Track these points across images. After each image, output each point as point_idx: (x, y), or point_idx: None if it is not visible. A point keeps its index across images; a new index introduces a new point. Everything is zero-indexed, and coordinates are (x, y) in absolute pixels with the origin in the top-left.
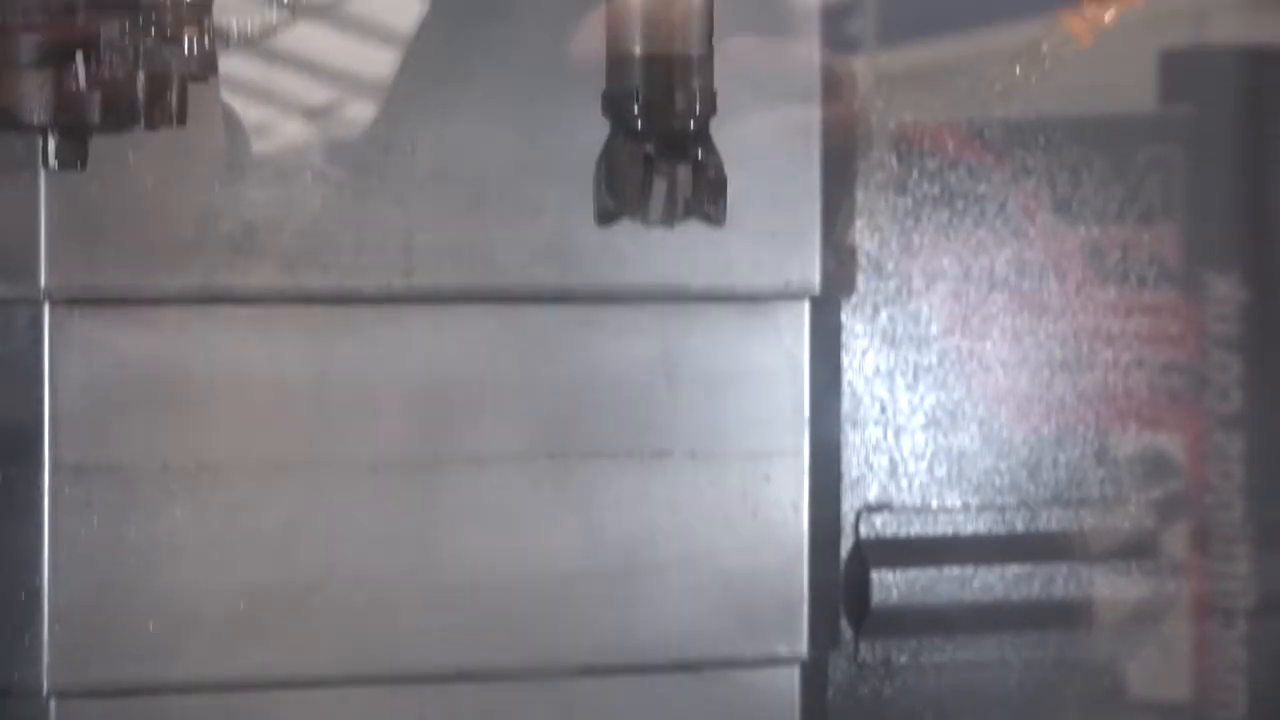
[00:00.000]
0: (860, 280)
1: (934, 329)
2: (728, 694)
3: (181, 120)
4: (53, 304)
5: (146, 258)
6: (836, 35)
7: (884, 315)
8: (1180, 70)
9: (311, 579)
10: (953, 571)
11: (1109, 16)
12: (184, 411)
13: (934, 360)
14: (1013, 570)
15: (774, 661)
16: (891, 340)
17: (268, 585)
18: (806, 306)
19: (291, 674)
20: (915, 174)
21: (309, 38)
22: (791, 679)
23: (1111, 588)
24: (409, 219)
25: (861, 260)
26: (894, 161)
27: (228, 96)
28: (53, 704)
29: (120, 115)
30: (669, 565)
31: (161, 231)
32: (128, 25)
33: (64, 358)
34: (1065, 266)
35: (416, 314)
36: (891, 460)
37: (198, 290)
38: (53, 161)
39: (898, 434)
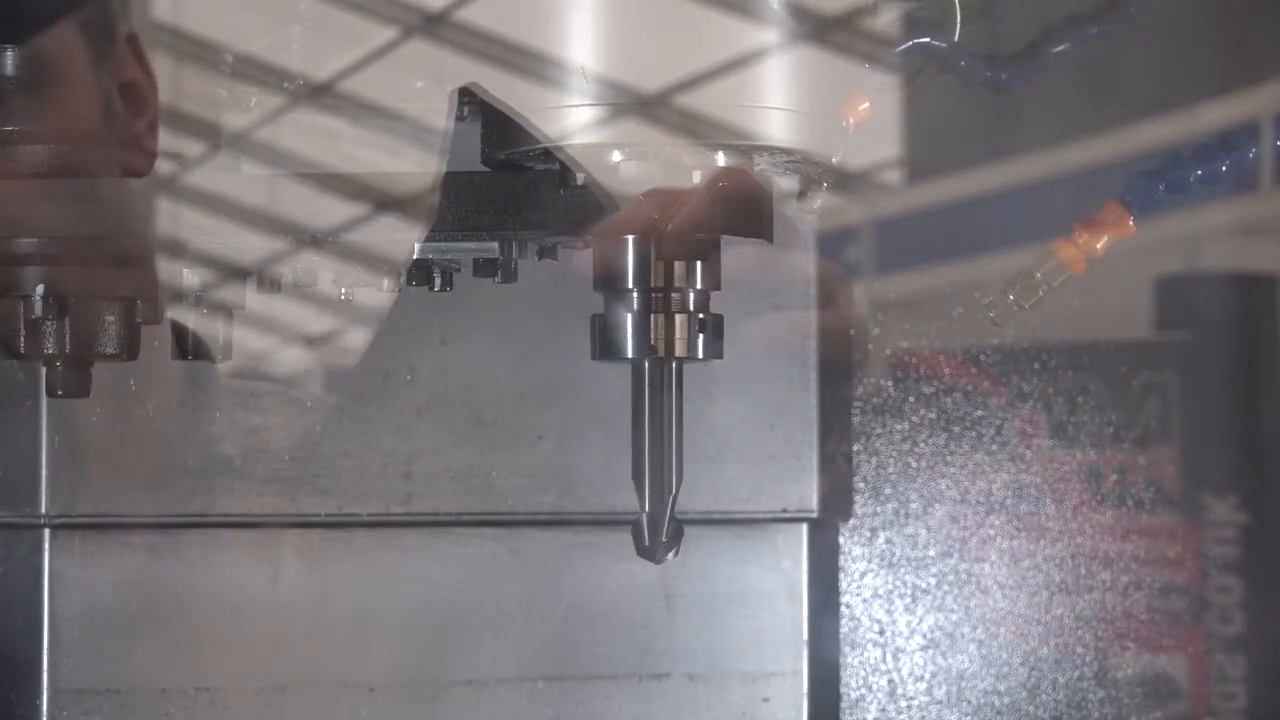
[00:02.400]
0: (858, 503)
1: (932, 551)
2: None
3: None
4: (53, 529)
5: (147, 483)
6: (833, 260)
7: (882, 538)
8: (1174, 296)
9: None
10: None
11: (1101, 245)
12: (183, 635)
13: (932, 582)
14: None
15: None
16: (889, 562)
17: None
18: (804, 530)
19: None
20: (912, 399)
21: (309, 265)
22: None
23: None
24: (408, 445)
25: (859, 484)
26: (890, 386)
27: (228, 324)
28: None
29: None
30: None
31: (162, 457)
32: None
33: (64, 582)
34: (1062, 490)
35: (415, 537)
36: (890, 681)
37: (198, 516)
38: (57, 391)
39: (896, 655)
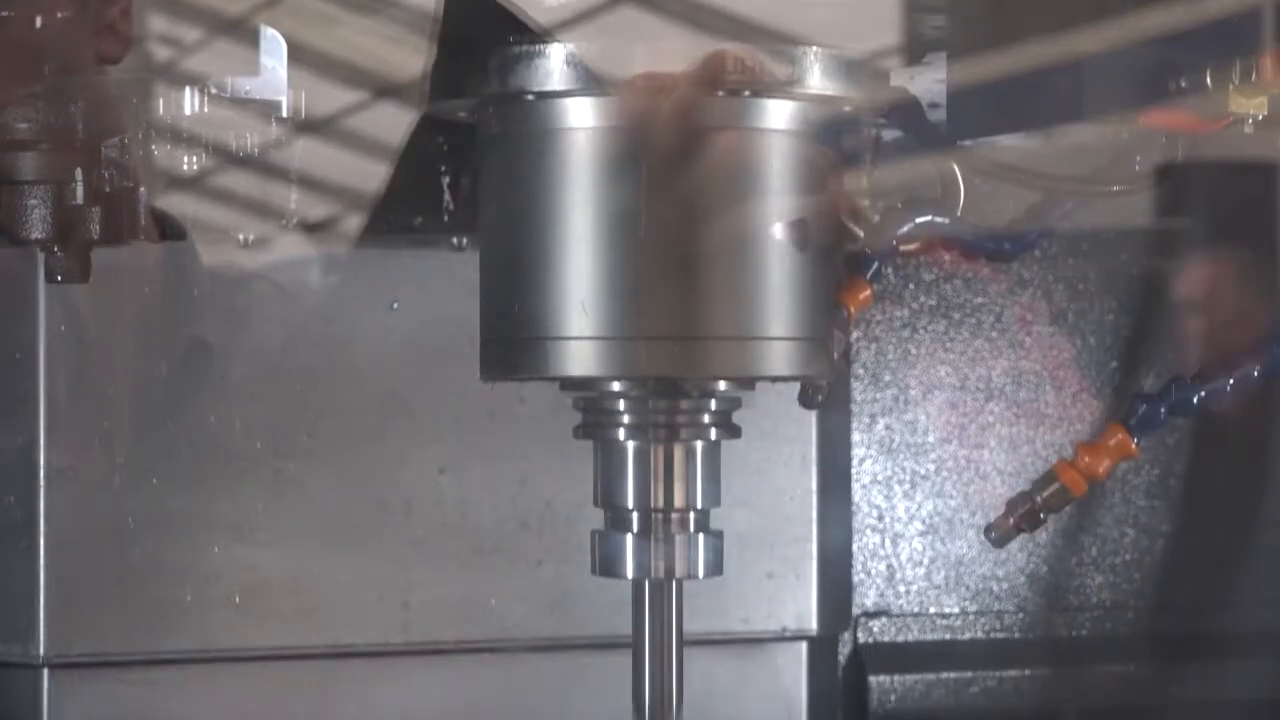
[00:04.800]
0: (857, 390)
1: (931, 437)
2: None
3: (182, 235)
4: (51, 668)
5: (144, 621)
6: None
7: (881, 424)
8: (1175, 184)
9: None
10: (951, 677)
11: (1104, 469)
12: None
13: (931, 468)
14: (1011, 676)
15: None
16: (889, 448)
17: None
18: (804, 648)
19: None
20: (912, 285)
21: (306, 395)
22: None
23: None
24: (406, 576)
25: (859, 370)
26: (890, 273)
27: (224, 461)
28: None
29: (120, 230)
30: None
31: (159, 594)
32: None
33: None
34: (1062, 376)
35: (415, 666)
36: (889, 567)
37: (196, 652)
38: (56, 277)
39: (895, 541)
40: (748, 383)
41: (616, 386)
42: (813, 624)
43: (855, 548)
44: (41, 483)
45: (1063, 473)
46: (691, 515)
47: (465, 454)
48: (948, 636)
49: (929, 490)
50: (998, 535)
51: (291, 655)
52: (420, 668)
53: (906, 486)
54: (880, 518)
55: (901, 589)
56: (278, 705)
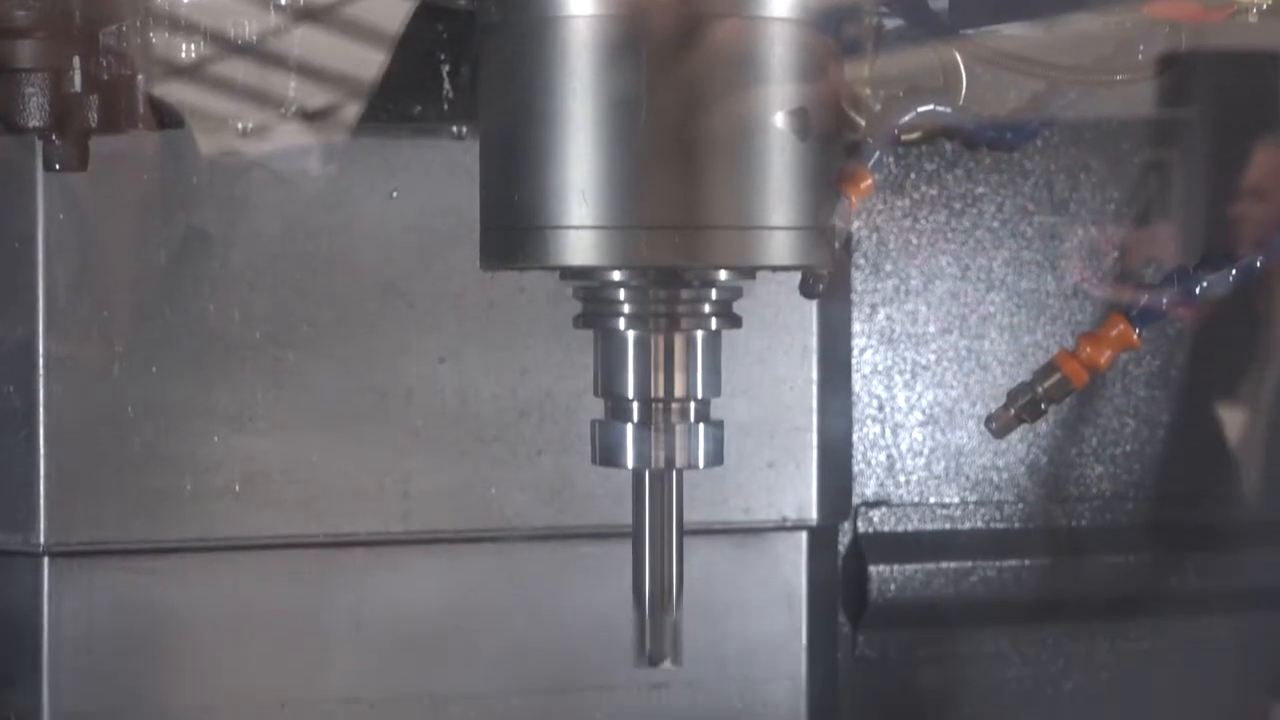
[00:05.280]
0: (858, 280)
1: (932, 328)
2: None
3: (180, 123)
4: (51, 557)
5: (144, 510)
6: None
7: (882, 314)
8: (1177, 74)
9: None
10: (950, 566)
11: (1105, 360)
12: (182, 657)
13: (932, 358)
14: (1010, 565)
15: None
16: (889, 339)
17: None
18: (804, 538)
19: None
20: (913, 175)
21: (305, 284)
22: None
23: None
24: (405, 465)
25: (860, 260)
26: (892, 163)
27: (224, 349)
28: None
29: (118, 118)
30: None
31: (159, 483)
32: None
33: (63, 609)
34: (1063, 266)
35: (414, 555)
36: (889, 457)
37: (195, 541)
38: (55, 165)
39: (895, 431)
40: (748, 272)
41: (617, 276)
42: (813, 514)
43: (855, 438)
44: (41, 372)
45: (1064, 363)
46: (692, 405)
47: (465, 343)
48: (947, 526)
49: (929, 380)
50: (998, 426)
51: (291, 544)
52: (420, 557)
53: (907, 377)
54: (880, 408)
55: (901, 479)
56: (277, 594)
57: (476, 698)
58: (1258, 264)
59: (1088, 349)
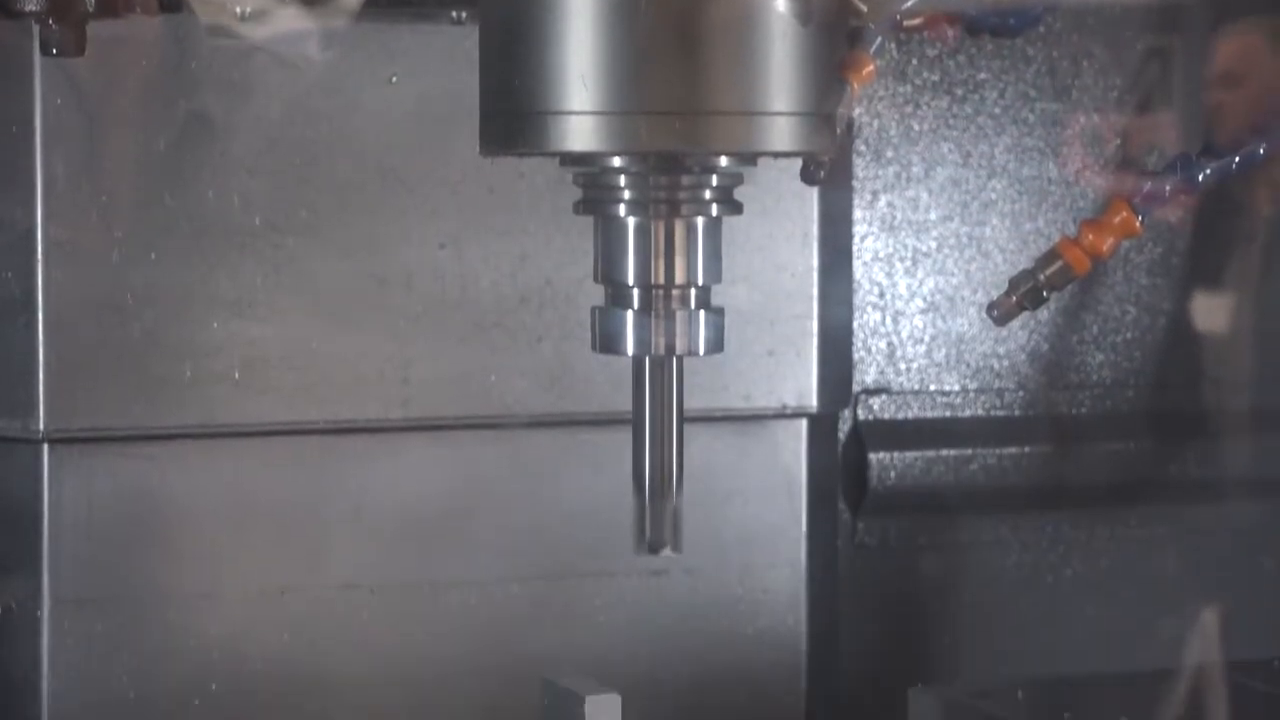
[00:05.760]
0: (859, 166)
1: (933, 215)
2: None
3: (179, 7)
4: (51, 443)
5: (144, 396)
6: None
7: (883, 201)
8: None
9: (313, 703)
10: (950, 454)
11: (1108, 247)
12: (182, 543)
13: (933, 245)
14: (1011, 452)
15: None
16: (890, 226)
17: (269, 710)
18: (804, 425)
19: None
20: (915, 61)
21: (305, 170)
22: None
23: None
24: (405, 351)
25: (861, 147)
26: (893, 49)
27: (223, 235)
28: None
29: (115, 2)
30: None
31: (158, 370)
32: None
33: (63, 495)
34: (1065, 153)
35: (414, 441)
36: (890, 344)
37: (195, 427)
38: (52, 50)
39: (896, 318)
40: (749, 158)
41: (617, 162)
42: (813, 401)
43: (856, 325)
44: (40, 258)
45: (1066, 250)
46: (692, 292)
47: (465, 229)
48: (948, 414)
49: (930, 267)
50: (1000, 313)
51: (291, 431)
52: (420, 443)
53: (908, 264)
54: (881, 295)
55: (902, 366)
56: (278, 480)
57: (475, 584)
58: (1260, 151)
59: (1090, 236)
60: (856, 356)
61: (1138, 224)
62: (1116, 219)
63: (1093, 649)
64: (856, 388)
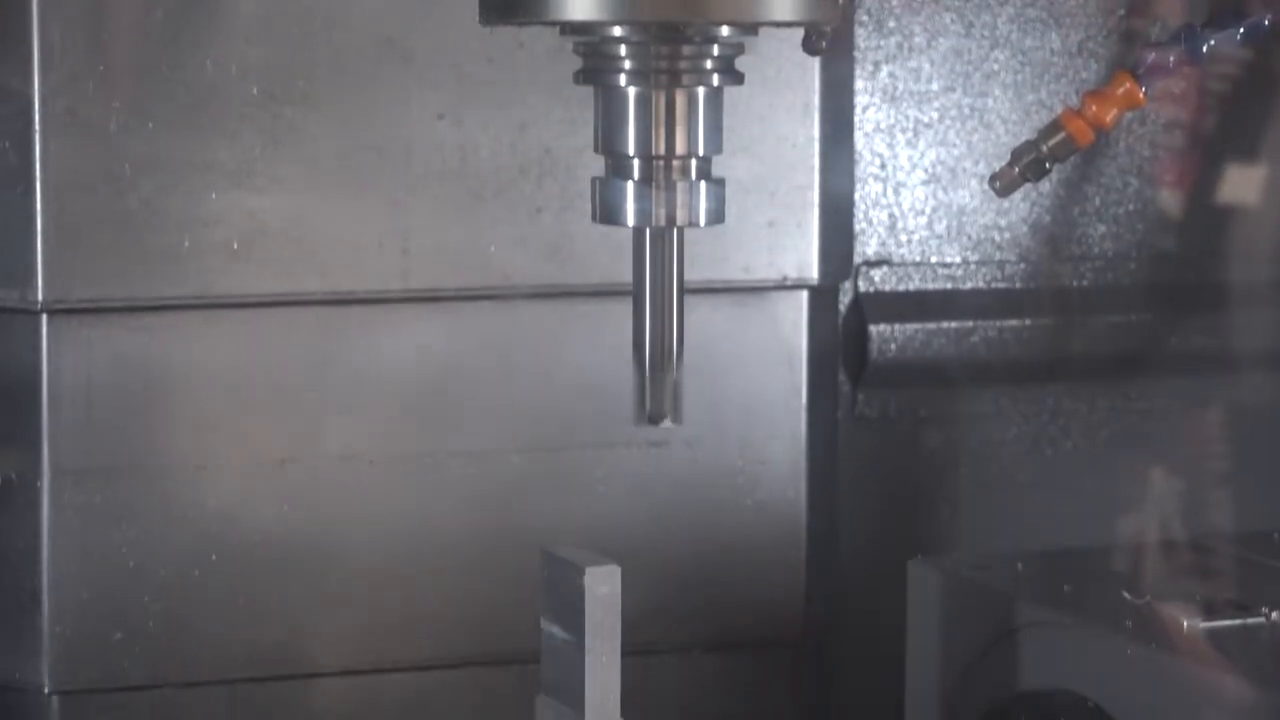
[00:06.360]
0: (861, 37)
1: (935, 85)
2: None
3: None
4: (50, 314)
5: (142, 266)
6: None
7: (885, 72)
8: None
9: (312, 573)
10: (951, 326)
11: (1111, 118)
12: (181, 415)
13: (935, 116)
14: (1011, 325)
15: None
16: (892, 97)
17: (268, 580)
18: (805, 297)
19: (293, 669)
20: None
21: (303, 40)
22: None
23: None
24: (405, 222)
25: (863, 17)
26: None
27: (222, 105)
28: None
29: None
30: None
31: (157, 240)
32: None
33: (61, 366)
34: (1068, 23)
35: (414, 312)
36: (891, 216)
37: (194, 298)
38: None
39: (897, 190)
40: (751, 27)
41: (618, 31)
42: (814, 273)
43: (857, 197)
44: (38, 128)
45: (1069, 121)
46: (693, 162)
47: (464, 99)
48: (949, 286)
49: (932, 139)
50: (1002, 184)
51: (290, 302)
52: (419, 314)
53: (909, 135)
54: (883, 166)
55: (903, 238)
56: (277, 351)
57: (475, 455)
58: (1265, 23)
59: (1093, 107)
60: (857, 228)
61: (1141, 95)
62: (1120, 90)
63: (1092, 521)
64: (857, 259)
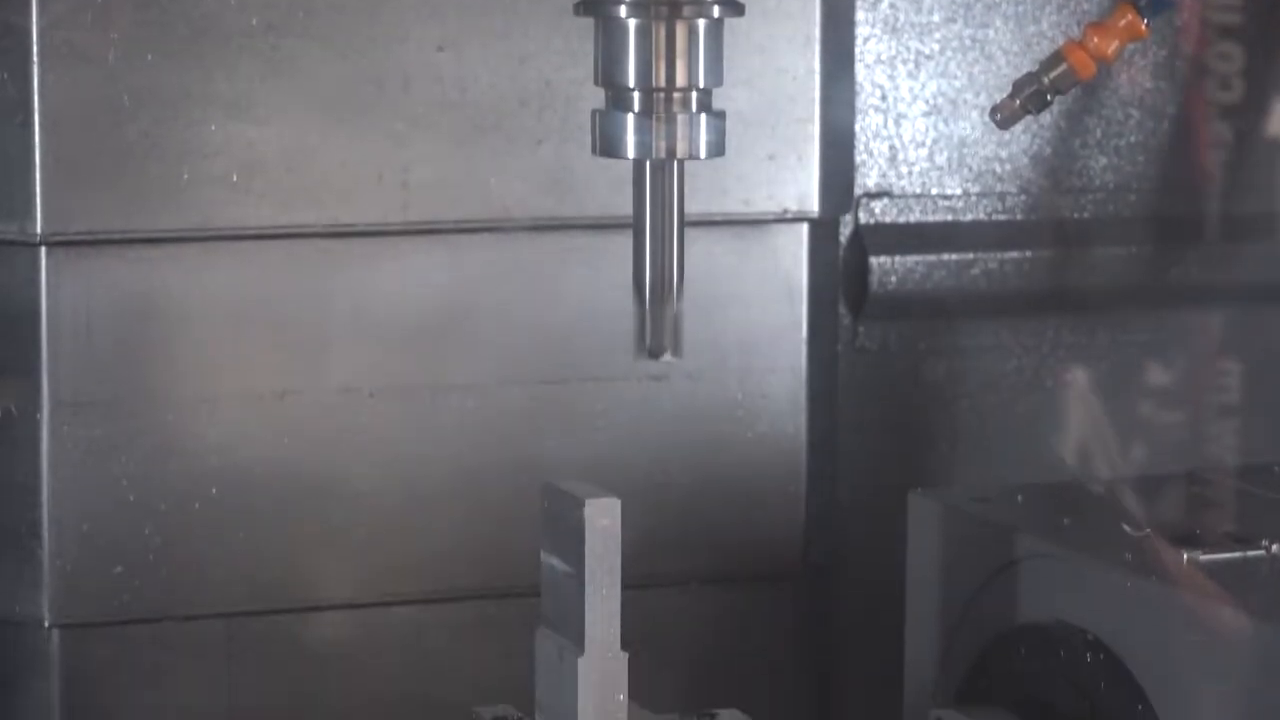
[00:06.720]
0: None
1: (936, 16)
2: None
3: None
4: (49, 246)
5: (141, 198)
6: None
7: (886, 3)
8: None
9: (312, 506)
10: (952, 258)
11: (1112, 50)
12: (181, 348)
13: (936, 48)
14: (1012, 257)
15: None
16: (893, 28)
17: (268, 513)
18: (805, 230)
19: (293, 602)
20: None
21: None
22: None
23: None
24: (404, 154)
25: None
26: None
27: (221, 37)
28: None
29: None
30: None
31: (156, 172)
32: None
33: (61, 299)
34: None
35: (414, 245)
36: (892, 148)
37: (193, 230)
38: None
39: (898, 121)
40: None
41: None
42: (814, 206)
43: (857, 129)
44: (35, 58)
45: (1070, 53)
46: (694, 94)
47: (464, 31)
48: (949, 218)
49: (933, 70)
50: (1003, 117)
51: (290, 234)
52: (419, 247)
53: (910, 66)
54: (883, 98)
55: (904, 170)
56: (276, 284)
57: (475, 388)
58: None
59: (1095, 39)
60: (858, 160)
61: (1143, 26)
62: (1121, 22)
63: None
64: (858, 192)
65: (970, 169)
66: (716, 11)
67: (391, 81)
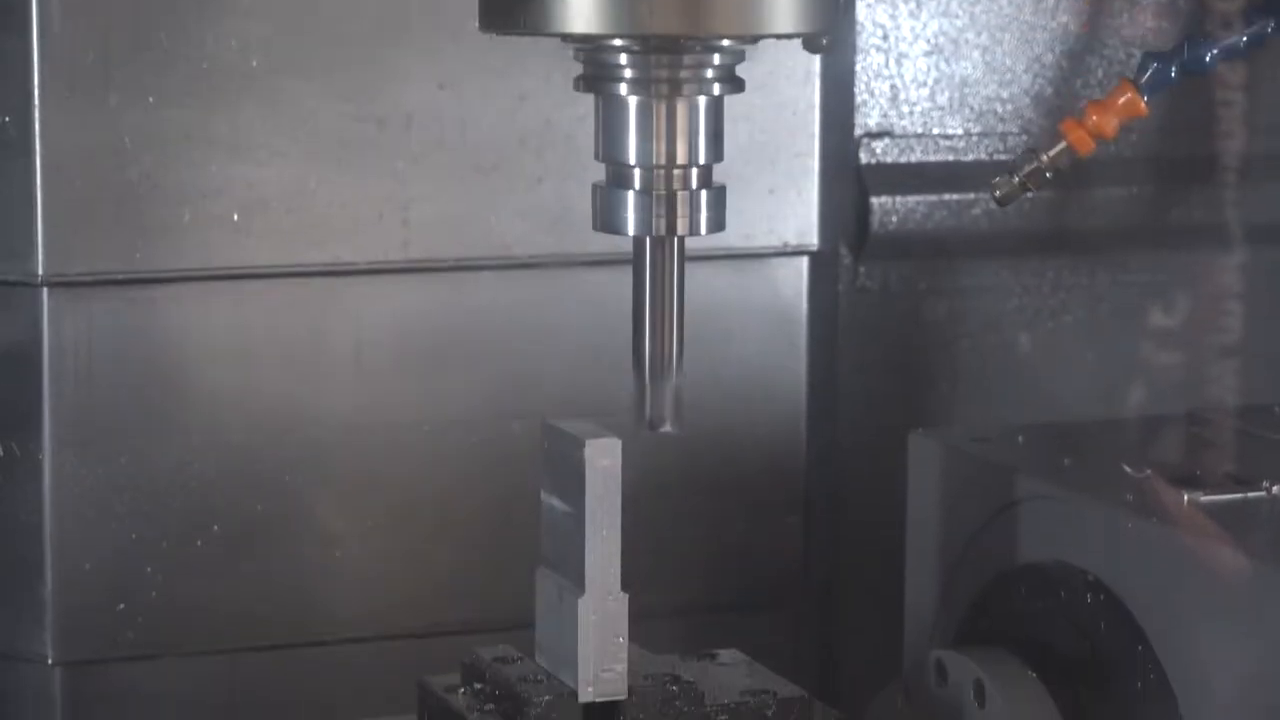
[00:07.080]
0: None
1: None
2: None
3: None
4: (50, 287)
5: (143, 239)
6: None
7: None
8: None
9: (314, 544)
10: (953, 198)
11: (1112, 128)
12: (183, 387)
13: None
14: None
15: None
16: None
17: (270, 550)
18: (805, 264)
19: (295, 638)
20: None
21: (303, 11)
22: None
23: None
24: (405, 193)
25: None
26: None
27: (221, 78)
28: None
29: None
30: None
31: (157, 213)
32: None
33: (62, 339)
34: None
35: (414, 283)
36: (893, 87)
37: (194, 270)
38: None
39: (900, 61)
40: (750, 39)
41: (619, 40)
42: (814, 239)
43: (858, 68)
44: (37, 101)
45: (1070, 131)
46: (694, 171)
47: (464, 70)
48: (950, 158)
49: (935, 9)
50: (1003, 194)
51: (291, 273)
52: (420, 284)
53: (912, 5)
54: (884, 37)
55: (905, 109)
56: (277, 322)
57: (475, 424)
58: (1269, 29)
59: (1094, 117)
60: (859, 100)
61: (1143, 105)
62: (1121, 99)
63: (1093, 394)
64: (859, 131)
65: (971, 109)
66: (717, 89)
67: (392, 120)
